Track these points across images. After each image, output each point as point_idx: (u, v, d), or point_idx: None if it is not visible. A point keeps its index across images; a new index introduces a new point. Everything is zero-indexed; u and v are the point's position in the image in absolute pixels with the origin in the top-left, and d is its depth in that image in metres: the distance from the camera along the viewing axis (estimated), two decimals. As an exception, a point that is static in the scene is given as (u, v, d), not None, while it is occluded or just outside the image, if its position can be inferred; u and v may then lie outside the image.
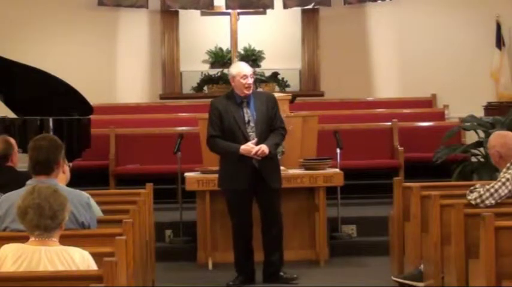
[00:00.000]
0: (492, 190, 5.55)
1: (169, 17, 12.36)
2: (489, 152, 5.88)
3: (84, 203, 4.61)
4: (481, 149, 9.02)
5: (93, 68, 12.03)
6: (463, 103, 11.38)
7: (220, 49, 12.48)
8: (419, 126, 10.60)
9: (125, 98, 12.19)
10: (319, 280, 7.11)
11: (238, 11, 12.32)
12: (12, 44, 11.54)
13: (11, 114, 9.11)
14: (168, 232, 8.33)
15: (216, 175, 7.56)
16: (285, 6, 12.17)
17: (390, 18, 12.32)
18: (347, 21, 12.33)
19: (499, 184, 5.55)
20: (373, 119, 10.75)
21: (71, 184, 5.03)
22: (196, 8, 12.25)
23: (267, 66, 12.33)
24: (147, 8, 12.11)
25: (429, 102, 12.09)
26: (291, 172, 7.59)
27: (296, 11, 12.39)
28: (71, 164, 5.35)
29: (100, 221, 4.86)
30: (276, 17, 12.42)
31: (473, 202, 5.56)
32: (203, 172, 7.71)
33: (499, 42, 12.01)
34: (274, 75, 12.18)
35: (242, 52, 12.44)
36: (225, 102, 6.85)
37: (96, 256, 3.78)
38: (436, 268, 5.83)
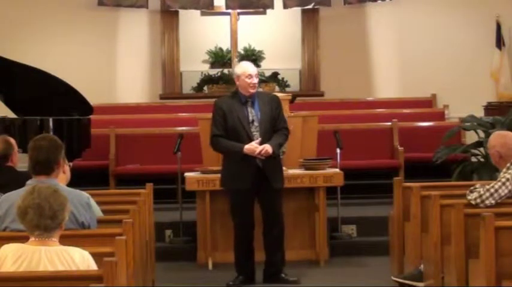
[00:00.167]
0: (492, 190, 5.55)
1: (169, 17, 12.36)
2: (489, 152, 5.88)
3: (84, 203, 4.61)
4: (481, 149, 9.02)
5: (93, 68, 12.03)
6: (463, 103, 11.38)
7: (220, 49, 12.48)
8: (419, 126, 10.60)
9: (125, 98, 12.19)
10: (319, 280, 7.11)
11: (238, 11, 12.32)
12: (12, 44, 11.54)
13: (11, 114, 9.11)
14: (168, 232, 8.33)
15: (216, 175, 7.57)
16: (285, 6, 12.17)
17: (390, 18, 12.32)
18: (347, 21, 12.33)
19: (499, 184, 5.55)
20: (373, 119, 10.75)
21: (71, 184, 5.03)
22: (196, 8, 12.25)
23: (267, 66, 12.33)
24: (147, 8, 12.11)
25: (429, 102, 12.09)
26: (291, 172, 7.59)
27: (296, 11, 12.39)
28: (71, 163, 5.36)
29: (100, 221, 4.86)
30: (276, 17, 12.42)
31: (473, 202, 5.56)
32: (203, 172, 7.71)
33: (499, 42, 12.01)
34: (274, 75, 12.18)
35: (242, 52, 12.44)
36: (229, 102, 6.86)
37: (96, 256, 3.78)
38: (436, 268, 5.83)
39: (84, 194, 4.70)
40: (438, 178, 9.13)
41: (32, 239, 3.72)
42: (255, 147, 6.69)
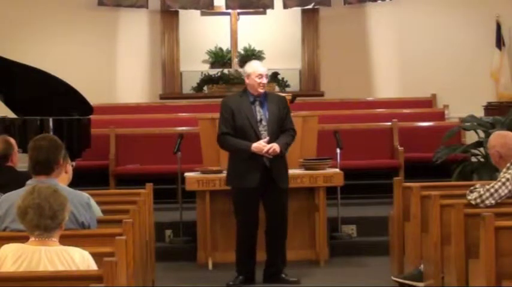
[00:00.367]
0: (492, 190, 5.55)
1: (169, 17, 12.36)
2: (489, 152, 5.88)
3: (84, 203, 4.61)
4: (481, 149, 9.02)
5: (93, 68, 12.03)
6: (463, 103, 11.38)
7: (220, 49, 12.48)
8: (419, 126, 10.60)
9: (125, 98, 12.19)
10: (319, 280, 7.11)
11: (238, 11, 12.32)
12: (12, 44, 11.55)
13: (11, 114, 9.10)
14: (168, 232, 8.33)
15: (216, 175, 7.59)
16: (285, 6, 12.17)
17: (390, 18, 12.32)
18: (347, 21, 12.33)
19: (499, 184, 5.55)
20: (373, 119, 10.75)
21: (71, 183, 5.03)
22: (196, 8, 12.25)
23: (266, 66, 12.27)
24: (147, 8, 12.12)
25: (429, 102, 12.09)
26: (291, 172, 7.57)
27: (296, 11, 12.39)
28: (74, 163, 5.36)
29: (100, 221, 4.86)
30: (276, 17, 12.42)
31: (473, 202, 5.56)
32: (203, 172, 7.71)
33: (499, 42, 12.01)
34: (274, 75, 12.18)
35: (242, 52, 12.44)
36: (237, 101, 6.87)
37: (96, 256, 3.78)
38: (436, 268, 5.83)
39: (85, 195, 4.70)
40: (438, 178, 9.13)
41: (32, 239, 3.72)
42: (263, 145, 6.70)
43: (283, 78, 12.25)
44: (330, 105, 11.71)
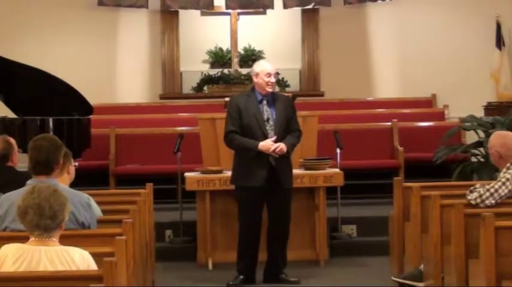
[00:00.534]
0: (492, 190, 5.55)
1: (169, 17, 12.36)
2: (489, 152, 5.88)
3: (84, 203, 4.61)
4: (481, 149, 9.02)
5: (93, 68, 12.02)
6: (463, 103, 11.38)
7: (220, 49, 12.48)
8: (419, 126, 10.60)
9: (125, 98, 12.19)
10: (319, 280, 7.11)
11: (238, 11, 12.32)
12: (12, 44, 11.55)
13: (11, 114, 9.11)
14: (168, 232, 8.33)
15: (216, 175, 7.59)
16: (285, 6, 12.17)
17: (390, 18, 12.32)
18: (347, 21, 12.32)
19: (499, 183, 5.55)
20: (373, 119, 10.75)
21: (71, 183, 5.03)
22: (196, 8, 12.25)
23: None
24: (147, 8, 12.11)
25: (429, 102, 12.08)
26: (291, 171, 7.59)
27: (296, 11, 12.39)
28: (77, 163, 5.35)
29: (100, 221, 4.86)
30: (276, 17, 12.42)
31: (473, 202, 5.56)
32: (203, 172, 7.71)
33: (499, 42, 12.00)
34: (274, 75, 12.17)
35: (242, 52, 12.44)
36: (245, 100, 6.87)
37: (96, 256, 3.78)
38: (436, 268, 5.83)
39: (85, 195, 4.70)
40: (438, 178, 9.13)
41: (32, 239, 3.72)
42: (270, 144, 6.71)
43: (283, 78, 12.25)
44: (330, 105, 11.71)
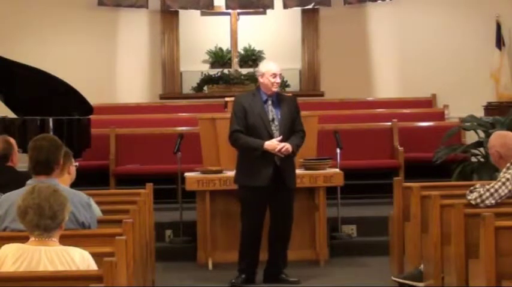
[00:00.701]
0: (492, 190, 5.55)
1: (169, 17, 12.36)
2: (489, 152, 5.88)
3: (84, 203, 4.61)
4: (481, 149, 9.02)
5: (93, 68, 12.02)
6: (463, 103, 11.38)
7: (220, 49, 12.49)
8: (419, 126, 10.60)
9: (125, 98, 12.19)
10: (319, 280, 7.11)
11: (238, 11, 12.32)
12: (12, 44, 11.55)
13: (11, 114, 9.10)
14: (168, 232, 8.33)
15: (216, 175, 7.59)
16: (285, 6, 12.17)
17: (390, 18, 12.32)
18: (347, 21, 12.32)
19: (499, 183, 5.55)
20: (373, 119, 10.75)
21: (72, 183, 5.03)
22: (196, 8, 12.25)
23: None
24: (147, 8, 12.11)
25: (429, 102, 12.08)
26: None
27: (296, 11, 12.39)
28: (77, 163, 5.35)
29: (100, 221, 4.86)
30: (276, 17, 12.42)
31: (473, 202, 5.56)
32: (203, 172, 7.71)
33: (499, 42, 12.00)
34: (274, 75, 12.17)
35: (242, 52, 12.44)
36: (250, 99, 6.88)
37: (96, 256, 3.78)
38: (436, 268, 5.83)
39: (85, 195, 4.70)
40: (438, 178, 9.13)
41: (32, 239, 3.72)
42: (276, 144, 6.71)
43: (283, 78, 12.24)
44: (330, 105, 11.71)
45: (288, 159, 6.79)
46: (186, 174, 7.77)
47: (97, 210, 5.03)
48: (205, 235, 7.72)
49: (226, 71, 12.24)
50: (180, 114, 11.26)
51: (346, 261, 7.82)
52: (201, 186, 7.62)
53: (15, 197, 4.07)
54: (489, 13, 11.99)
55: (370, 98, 12.23)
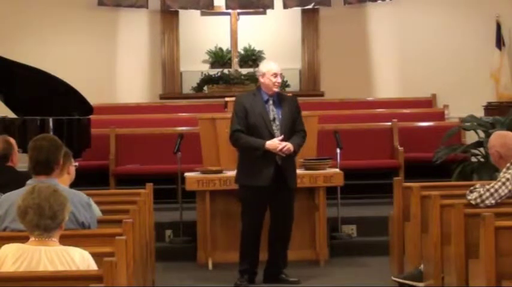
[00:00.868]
0: (492, 190, 5.55)
1: (169, 17, 12.36)
2: (489, 152, 5.88)
3: (85, 203, 4.61)
4: (481, 149, 9.02)
5: (93, 68, 12.02)
6: (463, 103, 11.38)
7: (220, 49, 12.49)
8: (419, 126, 10.60)
9: (125, 98, 12.19)
10: (319, 280, 7.11)
11: (238, 11, 12.32)
12: (12, 44, 11.55)
13: (11, 114, 9.10)
14: (168, 232, 8.33)
15: (216, 175, 7.59)
16: (285, 6, 12.17)
17: (390, 18, 12.32)
18: (347, 21, 12.32)
19: (499, 183, 5.55)
20: (373, 119, 10.75)
21: (71, 183, 5.03)
22: (196, 8, 12.25)
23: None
24: (147, 8, 12.11)
25: (429, 102, 12.09)
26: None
27: (296, 11, 12.39)
28: (77, 164, 5.35)
29: (100, 221, 4.86)
30: (276, 17, 12.42)
31: (473, 202, 5.56)
32: (203, 172, 7.71)
33: (499, 42, 12.00)
34: (274, 75, 12.16)
35: (242, 52, 12.44)
36: (251, 99, 6.87)
37: (96, 256, 3.78)
38: (436, 268, 5.83)
39: (85, 195, 4.70)
40: (438, 178, 9.13)
41: (32, 239, 3.72)
42: (277, 143, 6.71)
43: (283, 78, 12.23)
44: (330, 105, 11.71)
45: (289, 159, 6.79)
46: (186, 174, 7.77)
47: (97, 210, 5.03)
48: (205, 235, 7.72)
49: (226, 71, 12.24)
50: (180, 114, 11.26)
51: (346, 261, 7.82)
52: (201, 186, 7.62)
53: (15, 197, 4.07)
54: (489, 13, 11.99)
55: (370, 98, 12.23)
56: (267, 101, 6.87)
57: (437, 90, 12.09)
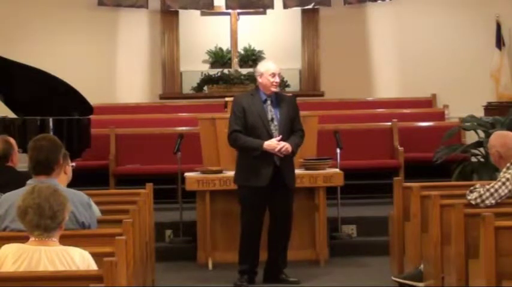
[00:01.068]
0: (492, 190, 5.55)
1: (169, 17, 12.36)
2: (489, 152, 5.89)
3: (85, 203, 4.61)
4: (481, 149, 9.02)
5: (93, 68, 12.02)
6: (463, 103, 11.38)
7: (220, 49, 12.49)
8: (419, 127, 10.60)
9: (125, 98, 12.19)
10: (319, 280, 7.11)
11: (238, 11, 12.32)
12: (12, 44, 11.55)
13: (11, 114, 9.10)
14: (168, 232, 8.33)
15: (216, 175, 7.59)
16: (285, 6, 12.17)
17: (390, 18, 12.32)
18: (347, 21, 12.33)
19: (499, 183, 5.56)
20: (373, 119, 10.75)
21: (71, 184, 5.03)
22: (196, 8, 12.25)
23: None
24: (147, 8, 12.12)
25: (429, 102, 12.09)
26: (291, 172, 7.59)
27: (296, 11, 12.39)
28: (74, 164, 5.35)
29: (100, 221, 4.86)
30: (276, 17, 12.42)
31: (473, 202, 5.57)
32: (203, 172, 7.71)
33: (499, 42, 12.00)
34: (274, 75, 12.17)
35: (242, 52, 12.44)
36: (249, 99, 6.88)
37: (96, 256, 3.78)
38: (436, 268, 5.84)
39: (85, 195, 4.70)
40: (438, 178, 9.13)
41: (32, 239, 3.72)
42: (276, 143, 6.71)
43: (283, 78, 12.23)
44: (330, 105, 11.71)
45: (287, 159, 6.79)
46: (186, 174, 7.77)
47: (97, 210, 5.03)
48: (205, 235, 7.72)
49: (226, 71, 12.24)
50: (180, 114, 11.26)
51: (346, 261, 7.82)
52: (201, 186, 7.62)
53: (15, 197, 4.07)
54: (489, 13, 11.99)
55: (370, 98, 12.23)
56: (265, 101, 6.87)
57: (437, 90, 12.09)
